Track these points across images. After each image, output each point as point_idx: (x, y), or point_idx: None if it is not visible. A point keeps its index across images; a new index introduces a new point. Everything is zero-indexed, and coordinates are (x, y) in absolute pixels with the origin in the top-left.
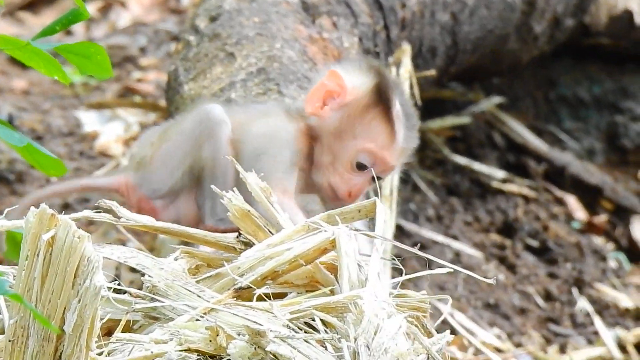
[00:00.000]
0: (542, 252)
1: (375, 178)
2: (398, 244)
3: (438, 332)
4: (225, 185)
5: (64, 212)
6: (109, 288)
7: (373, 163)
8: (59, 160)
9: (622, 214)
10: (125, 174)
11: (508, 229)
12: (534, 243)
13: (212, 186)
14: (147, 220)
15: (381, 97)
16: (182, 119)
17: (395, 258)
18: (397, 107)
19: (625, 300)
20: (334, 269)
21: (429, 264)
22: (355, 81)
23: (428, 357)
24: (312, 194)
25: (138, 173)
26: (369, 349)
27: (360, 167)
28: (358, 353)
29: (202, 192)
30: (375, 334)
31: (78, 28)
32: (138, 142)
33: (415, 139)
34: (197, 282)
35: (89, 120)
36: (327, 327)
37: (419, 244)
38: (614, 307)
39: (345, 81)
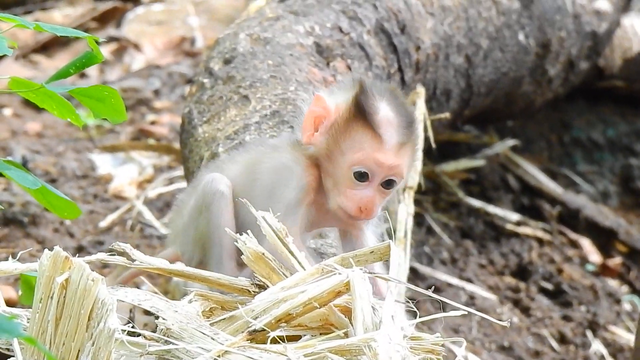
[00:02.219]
0: (557, 295)
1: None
2: (412, 286)
3: None
4: (220, 257)
5: (78, 255)
6: (123, 331)
7: (371, 170)
8: (73, 203)
9: (636, 256)
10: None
11: (522, 272)
12: (548, 286)
13: (227, 229)
14: (160, 263)
15: (359, 107)
16: (195, 187)
17: (410, 301)
18: (380, 111)
19: None
20: (348, 311)
21: (443, 307)
22: (339, 100)
23: None
24: (327, 227)
25: (177, 243)
26: None
27: (360, 178)
28: None
29: (207, 263)
30: None
31: (92, 71)
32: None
33: (413, 132)
34: (211, 324)
35: (103, 162)
36: None
37: (433, 287)
38: (628, 349)
39: (328, 103)
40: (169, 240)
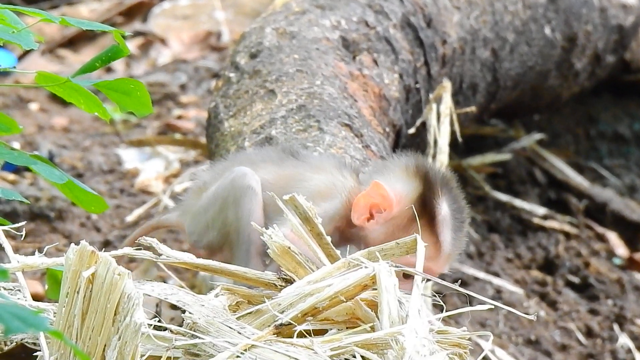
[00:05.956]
0: (583, 289)
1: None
2: (439, 280)
3: None
4: (248, 252)
5: (104, 249)
6: (150, 325)
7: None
8: (100, 197)
9: None
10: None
11: (549, 266)
12: (575, 279)
13: (252, 222)
14: (187, 257)
15: (425, 208)
16: (221, 175)
17: (436, 294)
18: (442, 213)
19: None
20: (374, 305)
21: (470, 301)
22: (401, 191)
23: None
24: (348, 244)
25: (185, 219)
26: None
27: (406, 277)
28: None
29: (232, 258)
30: None
31: (118, 65)
32: (190, 183)
33: (463, 239)
34: (238, 318)
35: (130, 157)
36: None
37: (459, 281)
38: None
39: (390, 194)
40: (186, 227)
